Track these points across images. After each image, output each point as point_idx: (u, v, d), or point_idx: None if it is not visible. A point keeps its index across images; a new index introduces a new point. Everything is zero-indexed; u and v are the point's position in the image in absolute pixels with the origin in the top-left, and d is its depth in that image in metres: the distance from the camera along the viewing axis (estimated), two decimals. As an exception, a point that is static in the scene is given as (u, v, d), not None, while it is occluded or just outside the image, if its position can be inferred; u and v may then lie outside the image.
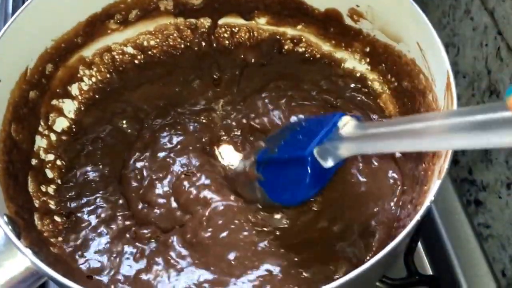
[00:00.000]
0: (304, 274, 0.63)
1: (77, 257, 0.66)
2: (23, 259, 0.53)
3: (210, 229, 0.66)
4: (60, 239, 0.67)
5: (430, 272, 0.77)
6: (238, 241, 0.65)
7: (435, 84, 0.62)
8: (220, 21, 0.82)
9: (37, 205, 0.68)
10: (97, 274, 0.65)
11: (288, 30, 0.81)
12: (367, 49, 0.75)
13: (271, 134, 0.72)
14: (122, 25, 0.78)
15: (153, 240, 0.67)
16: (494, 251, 0.84)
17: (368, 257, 0.64)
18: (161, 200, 0.69)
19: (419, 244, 0.77)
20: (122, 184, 0.71)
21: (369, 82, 0.76)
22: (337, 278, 0.61)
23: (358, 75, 0.77)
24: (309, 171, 0.61)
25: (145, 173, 0.72)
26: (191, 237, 0.66)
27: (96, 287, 0.64)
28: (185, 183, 0.70)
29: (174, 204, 0.69)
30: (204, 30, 0.82)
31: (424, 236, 0.76)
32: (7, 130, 0.65)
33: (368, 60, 0.76)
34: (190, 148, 0.74)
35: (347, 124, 0.60)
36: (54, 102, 0.74)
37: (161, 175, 0.71)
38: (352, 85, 0.77)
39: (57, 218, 0.69)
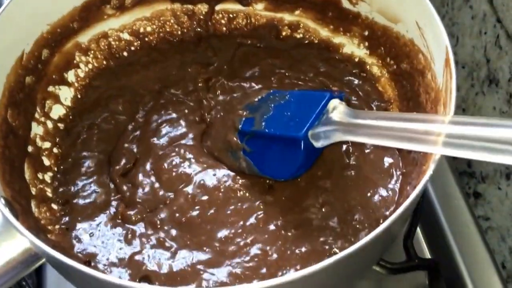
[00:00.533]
0: (297, 252, 0.62)
1: (73, 243, 0.65)
2: (21, 241, 0.52)
3: (197, 207, 0.66)
4: (57, 226, 0.67)
5: (429, 257, 0.77)
6: (226, 218, 0.65)
7: (434, 62, 0.62)
8: (217, 7, 0.81)
9: (34, 193, 0.67)
10: (93, 259, 0.64)
11: (286, 16, 0.80)
12: (366, 33, 0.75)
13: (250, 102, 0.70)
14: (119, 10, 0.78)
15: (141, 222, 0.66)
16: (494, 243, 0.83)
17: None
18: (144, 180, 0.69)
19: (418, 229, 0.77)
20: (110, 165, 0.71)
21: (368, 67, 0.76)
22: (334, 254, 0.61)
23: (356, 60, 0.77)
24: (303, 151, 0.61)
25: (131, 154, 0.71)
26: (180, 216, 0.66)
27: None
28: (167, 161, 0.70)
29: (157, 184, 0.69)
30: (201, 16, 0.81)
31: (423, 221, 0.76)
32: (3, 115, 0.64)
33: (366, 44, 0.76)
34: (178, 127, 0.73)
35: (337, 108, 0.60)
36: (50, 88, 0.74)
37: (144, 156, 0.71)
38: (350, 70, 0.77)
39: (54, 206, 0.68)
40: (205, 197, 0.67)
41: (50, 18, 0.71)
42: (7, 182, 0.61)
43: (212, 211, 0.66)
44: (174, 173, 0.69)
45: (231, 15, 0.82)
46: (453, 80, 0.55)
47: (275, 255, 0.62)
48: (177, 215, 0.66)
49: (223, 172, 0.69)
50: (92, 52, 0.78)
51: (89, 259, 0.64)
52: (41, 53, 0.71)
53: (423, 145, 0.52)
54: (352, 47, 0.77)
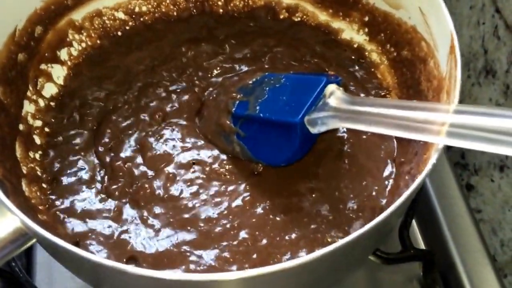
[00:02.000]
0: (287, 238, 0.61)
1: (64, 222, 0.64)
2: (12, 220, 0.51)
3: (178, 186, 0.65)
4: (47, 206, 0.66)
5: (423, 248, 0.76)
6: (210, 198, 0.64)
7: (437, 49, 0.61)
8: (216, -12, 0.80)
9: (24, 172, 0.66)
10: (82, 239, 0.63)
11: (285, -1, 0.79)
12: (366, 18, 0.74)
13: (244, 84, 0.69)
14: (114, -12, 0.76)
15: (125, 199, 0.65)
16: (485, 236, 0.83)
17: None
18: (128, 155, 0.68)
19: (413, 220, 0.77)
20: (95, 139, 0.70)
21: (367, 53, 0.75)
22: (327, 243, 0.60)
23: (355, 46, 0.76)
24: (299, 137, 0.60)
25: (117, 129, 0.71)
26: (161, 193, 0.65)
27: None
28: (153, 138, 0.69)
29: (139, 160, 0.68)
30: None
31: (418, 211, 0.75)
32: (-5, 92, 0.63)
33: (366, 30, 0.75)
34: (170, 106, 0.73)
35: (334, 94, 0.58)
36: (42, 66, 0.72)
37: (131, 131, 0.70)
38: (349, 56, 0.76)
39: (44, 186, 0.67)
40: (187, 176, 0.66)
41: (44, -6, 0.69)
42: (-2, 161, 0.59)
43: (193, 190, 0.65)
44: (158, 151, 0.68)
45: (227, -4, 0.80)
46: (458, 68, 0.54)
47: (264, 241, 0.61)
48: (158, 192, 0.65)
49: (209, 153, 0.68)
50: (85, 30, 0.76)
51: (78, 239, 0.63)
52: (34, 29, 0.69)
53: (425, 135, 0.50)
54: (352, 32, 0.76)
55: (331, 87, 0.59)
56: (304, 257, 0.46)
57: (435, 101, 0.60)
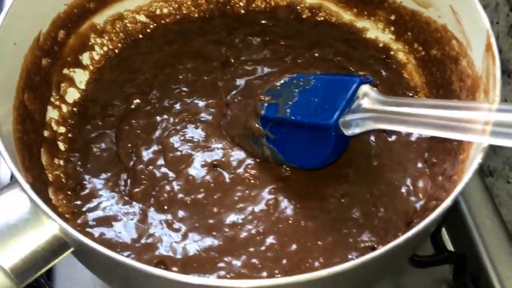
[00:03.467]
0: (319, 243, 0.60)
1: (91, 229, 0.63)
2: (49, 227, 0.50)
3: (202, 189, 0.64)
4: (73, 213, 0.65)
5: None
6: (233, 203, 0.63)
7: (470, 48, 0.60)
8: (237, -11, 0.79)
9: (51, 179, 0.65)
10: (110, 245, 0.62)
11: (308, -1, 0.78)
12: (392, 17, 0.73)
13: (272, 86, 0.68)
14: (135, -9, 0.75)
15: (149, 202, 0.64)
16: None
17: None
18: (149, 156, 0.68)
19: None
20: (117, 142, 0.70)
21: (393, 53, 0.74)
22: (360, 248, 0.59)
23: (381, 45, 0.75)
24: (333, 140, 0.59)
25: (140, 132, 0.70)
26: (184, 197, 0.64)
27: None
28: (176, 138, 0.69)
29: (161, 161, 0.67)
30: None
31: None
32: (21, 98, 0.62)
33: (392, 29, 0.74)
34: (193, 107, 0.72)
35: (367, 94, 0.57)
36: (65, 71, 0.71)
37: (152, 133, 0.70)
38: (373, 54, 0.75)
39: (69, 193, 0.66)
40: (210, 178, 0.65)
41: (68, -2, 0.69)
42: (27, 169, 0.58)
43: (217, 194, 0.64)
44: (179, 152, 0.67)
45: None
46: (497, 65, 0.53)
47: (294, 246, 0.60)
48: (180, 196, 0.64)
49: (234, 155, 0.67)
50: (107, 34, 0.75)
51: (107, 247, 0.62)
52: (57, 34, 0.69)
53: (468, 134, 0.49)
54: (377, 31, 0.75)
55: (365, 88, 0.58)
56: (345, 264, 0.45)
57: (469, 100, 0.59)
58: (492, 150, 0.82)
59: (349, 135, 0.59)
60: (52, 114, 0.69)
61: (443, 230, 0.76)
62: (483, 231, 0.73)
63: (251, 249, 0.60)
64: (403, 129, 0.56)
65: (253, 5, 0.80)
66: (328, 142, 0.59)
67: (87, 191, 0.66)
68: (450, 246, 0.76)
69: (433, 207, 0.56)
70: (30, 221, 0.50)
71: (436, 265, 0.69)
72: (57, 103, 0.70)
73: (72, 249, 0.51)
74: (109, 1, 0.74)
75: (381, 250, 0.46)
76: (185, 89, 0.74)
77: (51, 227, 0.50)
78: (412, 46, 0.71)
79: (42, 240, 0.50)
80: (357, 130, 0.58)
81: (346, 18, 0.77)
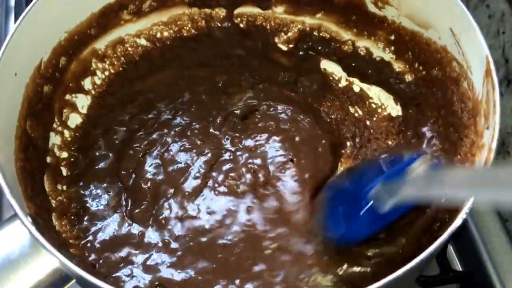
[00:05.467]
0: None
1: (95, 254, 0.64)
2: (50, 261, 0.50)
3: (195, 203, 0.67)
4: (76, 238, 0.65)
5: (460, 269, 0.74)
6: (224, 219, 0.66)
7: (471, 71, 0.60)
8: (236, 11, 0.79)
9: (54, 205, 0.66)
10: (113, 270, 0.63)
11: (307, 19, 0.78)
12: (392, 37, 0.73)
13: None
14: (136, 15, 0.75)
15: (148, 222, 0.66)
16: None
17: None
18: (149, 173, 0.69)
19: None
20: (118, 163, 0.71)
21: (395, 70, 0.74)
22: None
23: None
24: (362, 209, 0.57)
25: (140, 150, 0.72)
26: (181, 213, 0.66)
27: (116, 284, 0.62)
28: (172, 151, 0.71)
29: (160, 176, 0.69)
30: (218, 22, 0.79)
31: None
32: (23, 126, 0.62)
33: (392, 48, 0.73)
34: (194, 126, 0.74)
35: (419, 167, 0.54)
36: (67, 97, 0.72)
37: (152, 149, 0.72)
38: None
39: (72, 217, 0.67)
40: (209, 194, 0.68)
41: (68, 25, 0.69)
42: (29, 197, 0.59)
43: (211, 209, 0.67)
44: (178, 165, 0.70)
45: (250, 19, 0.79)
46: (496, 92, 0.53)
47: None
48: (176, 211, 0.67)
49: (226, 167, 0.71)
50: (108, 58, 0.76)
51: (109, 272, 0.63)
52: (58, 61, 0.69)
53: None
54: (378, 51, 0.75)
55: (422, 160, 0.55)
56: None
57: (471, 123, 0.59)
58: (502, 157, 0.82)
59: (382, 211, 0.56)
60: (54, 139, 0.70)
61: (451, 248, 0.76)
62: (491, 249, 0.73)
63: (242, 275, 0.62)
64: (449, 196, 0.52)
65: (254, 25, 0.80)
66: (358, 211, 0.58)
67: (90, 213, 0.67)
68: (458, 264, 0.75)
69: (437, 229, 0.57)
70: (31, 255, 0.50)
71: (441, 284, 0.69)
72: (60, 128, 0.71)
73: (73, 281, 0.51)
74: (109, 26, 0.74)
75: (388, 277, 0.46)
76: (184, 105, 0.76)
77: (51, 261, 0.50)
78: (413, 65, 0.71)
79: (43, 273, 0.50)
80: (390, 205, 0.54)
81: (346, 37, 0.77)
